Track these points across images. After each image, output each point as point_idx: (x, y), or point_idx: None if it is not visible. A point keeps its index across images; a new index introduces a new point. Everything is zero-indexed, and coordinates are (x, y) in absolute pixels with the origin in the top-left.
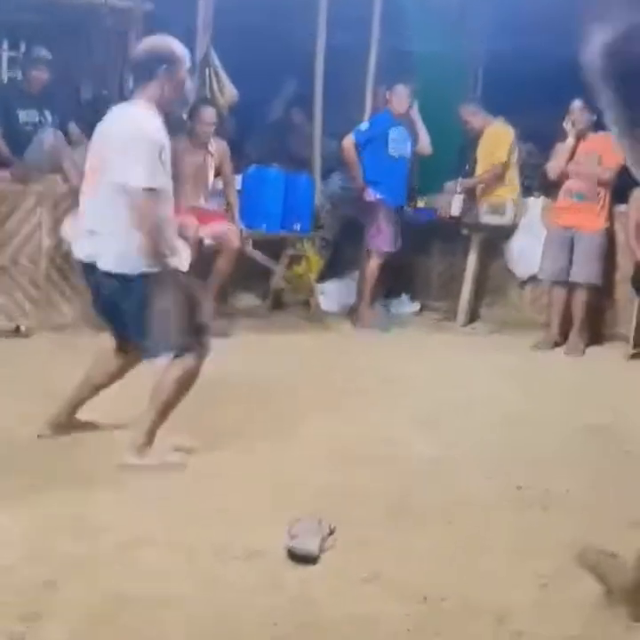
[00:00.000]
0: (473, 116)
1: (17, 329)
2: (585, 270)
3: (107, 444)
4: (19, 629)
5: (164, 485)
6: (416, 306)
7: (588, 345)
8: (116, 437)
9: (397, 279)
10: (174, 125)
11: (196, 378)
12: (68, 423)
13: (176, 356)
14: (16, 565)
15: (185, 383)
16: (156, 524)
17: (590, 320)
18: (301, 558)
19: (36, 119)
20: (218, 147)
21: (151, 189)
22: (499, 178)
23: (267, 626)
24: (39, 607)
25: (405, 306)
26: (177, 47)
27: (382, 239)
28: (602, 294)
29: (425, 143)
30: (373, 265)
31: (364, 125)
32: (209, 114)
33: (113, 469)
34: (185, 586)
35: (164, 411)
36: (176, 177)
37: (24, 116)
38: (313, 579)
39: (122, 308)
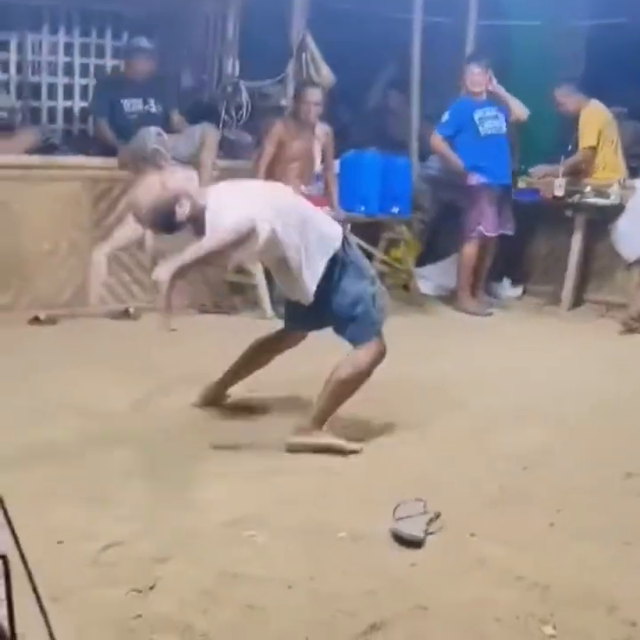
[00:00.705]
0: (565, 97)
1: (126, 311)
2: None
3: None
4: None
5: (273, 465)
6: (518, 290)
7: None
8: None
9: (499, 263)
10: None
11: (376, 367)
12: (219, 399)
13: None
14: (130, 540)
15: (365, 371)
16: (263, 504)
17: None
18: (406, 541)
19: (141, 108)
20: (323, 131)
21: None
22: (588, 162)
23: (371, 608)
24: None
25: (507, 290)
26: None
27: (485, 223)
28: None
29: (518, 110)
30: (471, 250)
31: (444, 117)
32: (313, 93)
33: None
34: (290, 566)
35: (339, 399)
36: (282, 161)
37: (128, 105)
38: (418, 562)
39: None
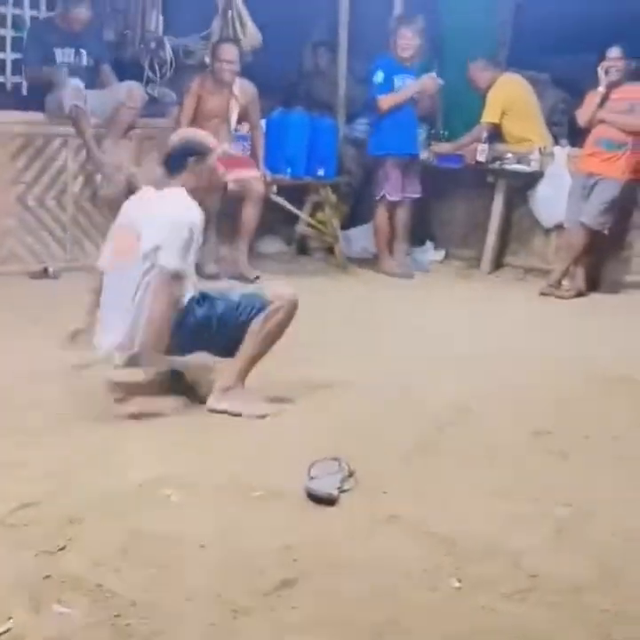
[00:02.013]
0: (479, 72)
1: (45, 271)
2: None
3: None
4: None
5: (193, 425)
6: (440, 253)
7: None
8: None
9: (421, 227)
10: (197, 67)
11: (291, 317)
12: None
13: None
14: (43, 500)
15: (274, 330)
16: (181, 463)
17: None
18: (320, 499)
19: (72, 59)
20: (244, 89)
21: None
22: (479, 137)
23: (283, 565)
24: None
25: (429, 253)
26: (206, 139)
27: (388, 188)
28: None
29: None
30: (380, 213)
31: (379, 78)
32: (228, 50)
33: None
34: (203, 525)
35: (253, 357)
36: (197, 117)
37: (60, 54)
38: (331, 520)
39: None
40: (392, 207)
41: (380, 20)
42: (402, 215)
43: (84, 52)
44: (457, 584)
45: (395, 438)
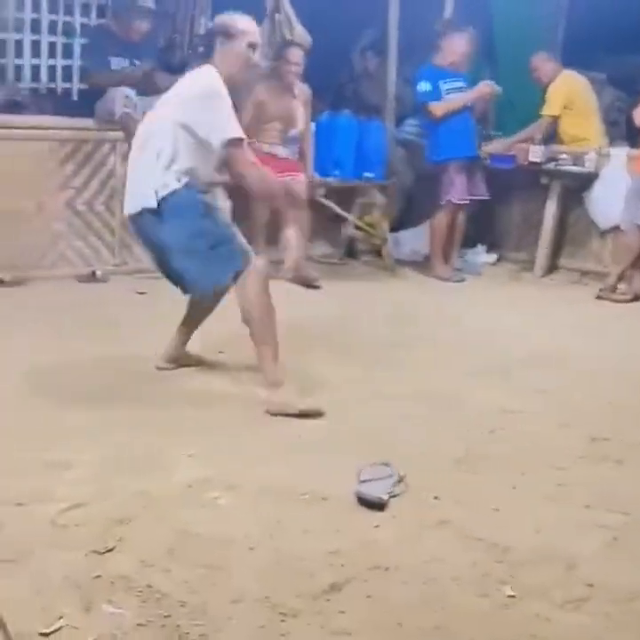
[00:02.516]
0: (542, 63)
1: (93, 274)
2: None
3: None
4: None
5: (240, 427)
6: (493, 256)
7: None
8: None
9: (474, 229)
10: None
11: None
12: (181, 358)
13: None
14: (92, 501)
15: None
16: (228, 465)
17: None
18: (370, 503)
19: (126, 67)
20: (301, 91)
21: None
22: (547, 131)
23: (332, 569)
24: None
25: (481, 256)
26: (239, 22)
27: (453, 192)
28: None
29: None
30: (441, 218)
31: (426, 87)
32: (294, 53)
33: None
34: (252, 527)
35: (261, 334)
36: (261, 121)
37: (115, 63)
38: (380, 524)
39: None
40: (455, 211)
41: (429, 22)
42: (461, 219)
43: (138, 62)
44: (509, 591)
45: (445, 443)
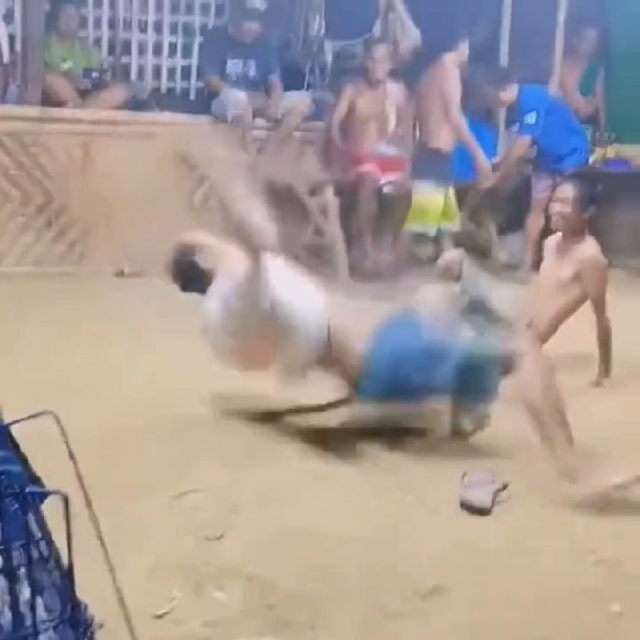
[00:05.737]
0: None
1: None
2: None
3: None
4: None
5: None
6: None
7: None
8: None
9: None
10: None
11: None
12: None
13: None
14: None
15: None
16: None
17: None
18: (474, 508)
19: (240, 70)
20: (392, 90)
21: None
22: None
23: (435, 571)
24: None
25: None
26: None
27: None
28: None
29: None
30: (534, 219)
31: (533, 118)
32: (378, 50)
33: None
34: (359, 524)
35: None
36: (352, 121)
37: (229, 65)
38: (484, 530)
39: None
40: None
41: (541, 21)
42: None
43: (252, 63)
44: (618, 608)
45: None
